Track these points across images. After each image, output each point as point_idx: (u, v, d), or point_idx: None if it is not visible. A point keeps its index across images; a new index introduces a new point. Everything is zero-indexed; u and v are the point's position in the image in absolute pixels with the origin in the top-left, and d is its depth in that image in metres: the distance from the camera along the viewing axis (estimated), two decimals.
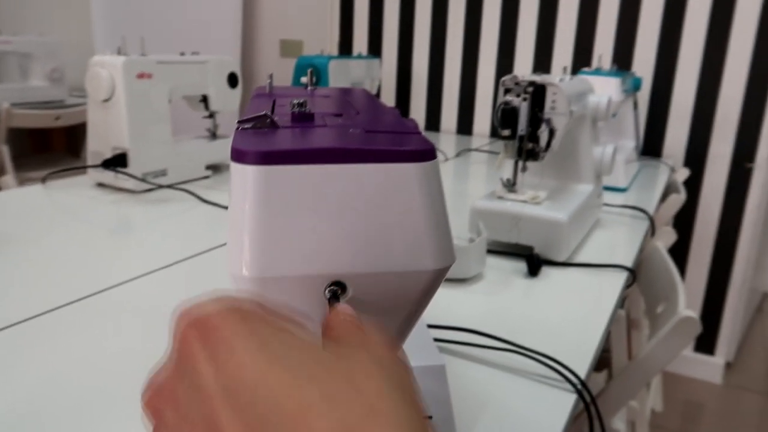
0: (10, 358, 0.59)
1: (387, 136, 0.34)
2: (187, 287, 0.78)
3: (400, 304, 0.33)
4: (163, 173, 1.26)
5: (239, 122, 0.35)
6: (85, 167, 1.26)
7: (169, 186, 1.26)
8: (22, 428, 0.49)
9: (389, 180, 0.30)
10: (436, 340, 0.66)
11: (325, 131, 0.34)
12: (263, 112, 0.35)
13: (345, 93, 0.53)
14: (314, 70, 1.62)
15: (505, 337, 0.66)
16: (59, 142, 2.97)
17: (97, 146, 1.22)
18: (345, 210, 0.30)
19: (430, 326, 0.68)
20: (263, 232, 0.29)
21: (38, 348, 0.62)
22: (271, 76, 0.55)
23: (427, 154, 0.31)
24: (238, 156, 0.29)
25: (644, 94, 1.92)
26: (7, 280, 0.78)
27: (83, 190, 1.23)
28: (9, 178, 1.35)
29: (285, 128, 0.35)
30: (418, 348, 0.60)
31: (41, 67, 2.51)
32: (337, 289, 0.31)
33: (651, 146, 1.94)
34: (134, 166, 1.19)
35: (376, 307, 0.32)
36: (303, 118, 0.37)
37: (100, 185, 1.25)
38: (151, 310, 0.71)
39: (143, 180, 1.21)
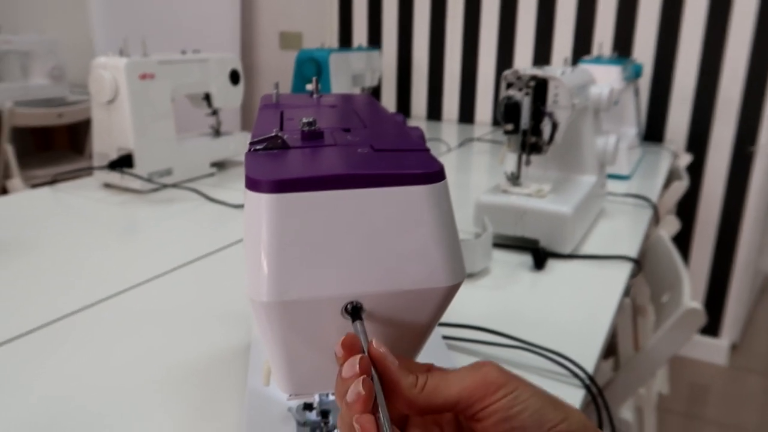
0: (24, 367, 0.61)
1: (396, 156, 0.34)
2: (198, 289, 0.80)
3: (415, 319, 0.34)
4: (168, 172, 1.27)
5: (251, 143, 0.36)
6: (91, 168, 1.27)
7: (175, 185, 1.27)
8: None
9: (400, 202, 0.31)
10: (445, 337, 0.67)
11: (336, 153, 0.35)
12: (274, 133, 0.36)
13: (350, 101, 0.54)
14: (316, 65, 1.62)
15: (513, 333, 0.67)
16: (62, 140, 2.98)
17: (102, 147, 1.23)
18: (358, 232, 0.31)
19: (438, 324, 0.69)
20: (280, 258, 0.30)
21: (52, 357, 0.63)
22: (276, 86, 0.56)
23: (437, 175, 0.32)
24: (253, 184, 0.30)
25: (645, 80, 1.91)
26: (19, 288, 0.79)
27: (91, 191, 1.24)
28: (17, 181, 1.37)
29: (296, 148, 0.36)
30: (426, 348, 0.61)
31: (41, 66, 2.51)
32: (357, 306, 0.32)
33: (653, 132, 1.94)
34: (140, 167, 1.20)
35: (392, 324, 0.33)
36: (313, 137, 0.38)
37: (107, 186, 1.26)
38: (163, 314, 0.72)
39: (149, 180, 1.22)
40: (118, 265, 0.87)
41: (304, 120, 0.38)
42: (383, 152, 0.35)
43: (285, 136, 0.37)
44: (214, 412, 0.53)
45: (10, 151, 2.24)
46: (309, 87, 0.57)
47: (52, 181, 1.28)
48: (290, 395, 0.35)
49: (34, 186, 1.29)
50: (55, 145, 2.99)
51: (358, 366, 0.27)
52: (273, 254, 0.30)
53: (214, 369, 0.60)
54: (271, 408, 0.46)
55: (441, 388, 0.28)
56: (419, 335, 0.35)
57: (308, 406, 0.45)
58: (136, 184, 1.21)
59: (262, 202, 0.30)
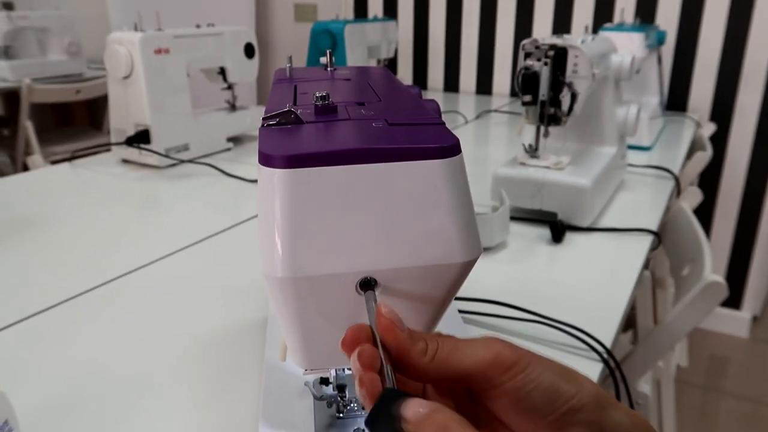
0: (43, 344, 0.62)
1: (411, 130, 0.34)
2: (216, 264, 0.80)
3: (430, 295, 0.33)
4: (185, 147, 1.27)
5: (264, 119, 0.36)
6: (109, 144, 1.27)
7: (192, 161, 1.27)
8: (57, 414, 0.51)
9: (415, 177, 0.31)
10: (461, 311, 0.67)
11: (350, 127, 0.34)
12: (287, 108, 0.36)
13: (364, 74, 0.53)
14: (331, 37, 1.60)
15: (530, 307, 0.67)
16: (81, 116, 3.00)
17: (119, 123, 1.24)
18: (373, 208, 0.31)
19: (455, 299, 0.69)
20: (294, 234, 0.30)
21: (71, 333, 0.64)
22: (290, 59, 0.55)
23: (452, 149, 0.31)
24: (266, 160, 0.30)
25: (668, 47, 1.86)
26: (39, 263, 0.80)
27: (109, 167, 1.25)
28: (37, 157, 1.38)
29: (309, 123, 0.35)
30: (442, 321, 0.61)
31: (58, 41, 2.52)
32: (370, 280, 0.32)
33: (675, 101, 1.90)
34: (157, 142, 1.21)
35: (407, 299, 0.33)
36: (326, 111, 0.37)
37: (125, 161, 1.27)
38: (181, 289, 0.73)
39: (166, 156, 1.22)
40: (137, 240, 0.88)
41: (317, 94, 0.37)
42: (398, 126, 0.34)
43: (298, 111, 0.37)
44: (233, 383, 0.54)
45: (29, 127, 2.26)
46: (323, 60, 0.56)
47: (71, 158, 1.29)
48: (306, 370, 0.35)
49: (54, 162, 1.30)
50: (74, 121, 3.01)
51: (358, 360, 0.26)
52: (287, 230, 0.30)
53: (233, 341, 0.61)
54: (288, 382, 0.47)
55: (452, 359, 0.27)
56: (434, 311, 0.35)
57: (325, 381, 0.45)
58: (154, 159, 1.21)
59: (276, 177, 0.30)
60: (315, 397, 0.44)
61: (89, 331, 0.64)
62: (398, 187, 0.31)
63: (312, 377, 0.45)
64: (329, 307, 0.32)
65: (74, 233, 0.90)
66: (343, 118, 0.36)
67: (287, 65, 0.53)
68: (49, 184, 1.15)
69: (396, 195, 0.31)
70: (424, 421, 0.24)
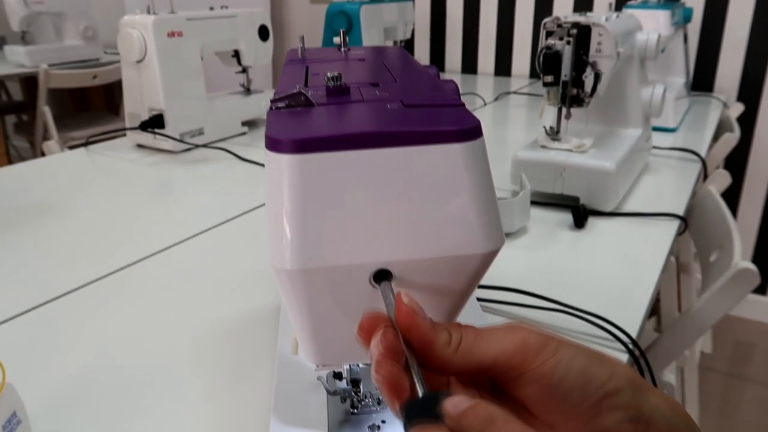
0: (52, 334, 0.61)
1: (428, 112, 0.32)
2: (232, 250, 0.79)
3: (449, 288, 0.31)
4: (200, 132, 1.26)
5: (272, 101, 0.34)
6: (124, 129, 1.26)
7: (206, 145, 1.26)
8: (67, 405, 0.51)
9: (433, 162, 0.29)
10: (480, 299, 0.65)
11: (363, 109, 0.32)
12: (297, 90, 0.34)
13: (380, 54, 0.51)
14: (346, 18, 1.57)
15: (551, 295, 0.64)
16: (98, 101, 3.01)
17: (133, 108, 1.23)
18: (387, 195, 0.29)
19: None
20: (302, 224, 0.28)
21: (81, 322, 0.63)
22: (302, 39, 0.53)
23: (473, 132, 0.29)
24: (273, 144, 0.28)
25: (695, 25, 1.80)
26: (54, 249, 0.80)
27: (124, 152, 1.24)
28: (53, 143, 1.37)
29: (320, 106, 0.33)
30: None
31: (74, 26, 2.51)
32: (385, 271, 0.30)
33: (702, 81, 1.84)
34: (171, 127, 1.19)
35: (424, 292, 0.31)
36: (338, 93, 0.35)
37: (140, 146, 1.26)
38: (196, 275, 0.72)
39: (180, 140, 1.21)
40: (151, 226, 0.87)
41: (329, 75, 0.35)
42: (414, 108, 0.32)
43: (309, 93, 0.35)
44: (247, 373, 0.52)
45: (47, 112, 2.27)
46: (336, 40, 0.54)
47: (86, 143, 1.29)
48: (317, 366, 0.33)
49: (72, 147, 1.30)
50: (91, 106, 3.02)
51: (381, 342, 0.25)
52: (296, 219, 0.28)
53: (248, 330, 0.60)
54: (301, 376, 0.45)
55: (477, 348, 0.26)
56: (453, 304, 0.33)
57: (338, 375, 0.44)
58: (168, 144, 1.20)
59: (284, 163, 0.28)
60: (328, 392, 0.42)
61: (99, 321, 0.63)
62: (415, 173, 0.29)
63: (326, 371, 0.44)
64: (341, 300, 0.30)
65: (88, 219, 0.90)
66: (357, 100, 0.34)
67: (299, 45, 0.50)
68: (64, 169, 1.15)
69: (413, 181, 0.29)
70: (466, 411, 0.22)
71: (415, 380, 0.24)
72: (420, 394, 0.23)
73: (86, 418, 0.48)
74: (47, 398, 0.51)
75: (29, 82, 2.64)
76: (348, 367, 0.42)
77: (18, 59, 2.39)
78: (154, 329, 0.61)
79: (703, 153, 1.17)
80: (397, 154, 0.28)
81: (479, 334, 0.26)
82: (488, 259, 0.30)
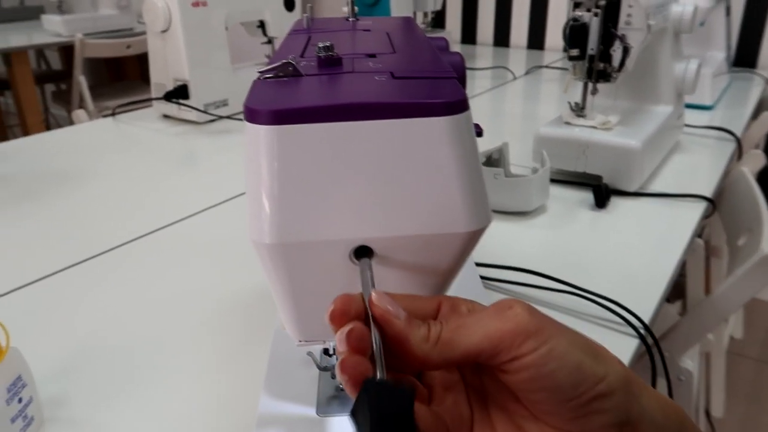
0: (61, 301, 0.63)
1: (416, 84, 0.30)
2: None
3: (433, 266, 0.31)
4: (224, 103, 1.26)
5: (260, 72, 0.33)
6: (150, 100, 1.27)
7: (230, 116, 1.26)
8: (72, 370, 0.52)
9: (416, 136, 0.27)
10: (490, 279, 0.64)
11: (350, 81, 0.31)
12: (286, 59, 0.33)
13: (386, 25, 0.49)
14: None
15: (567, 276, 0.63)
16: (133, 71, 3.04)
17: (159, 78, 1.23)
18: (367, 169, 0.28)
19: (481, 264, 0.66)
20: (281, 196, 0.28)
21: (91, 291, 0.64)
22: (310, 9, 0.52)
23: (457, 105, 0.28)
24: (251, 115, 0.27)
25: None
26: (78, 216, 0.81)
27: (150, 122, 1.25)
28: (81, 112, 1.40)
29: (309, 76, 0.32)
30: (462, 287, 0.58)
31: None
32: (365, 249, 0.29)
33: (744, 56, 1.76)
34: (195, 97, 1.20)
35: (406, 270, 0.30)
36: (330, 64, 0.34)
37: (166, 117, 1.27)
38: (216, 245, 0.72)
39: (205, 111, 1.21)
40: (175, 195, 0.88)
41: (320, 45, 0.34)
42: (403, 80, 0.31)
43: (301, 64, 0.34)
44: (251, 348, 0.53)
45: (83, 82, 2.30)
46: (345, 9, 0.53)
47: (113, 113, 1.30)
48: (299, 341, 0.33)
49: (106, 116, 1.31)
50: (126, 76, 3.06)
51: (346, 342, 0.24)
52: (274, 192, 0.28)
53: (258, 302, 0.60)
54: (294, 351, 0.45)
55: (458, 339, 0.24)
56: (438, 283, 0.32)
57: (328, 351, 0.43)
58: (193, 115, 1.21)
59: (261, 134, 0.27)
60: (318, 368, 0.42)
61: (107, 290, 0.64)
62: (397, 147, 0.28)
63: (318, 347, 0.44)
64: (321, 276, 0.30)
65: (112, 188, 0.91)
66: (347, 71, 0.33)
67: (304, 15, 0.49)
68: (91, 138, 1.17)
69: (394, 155, 0.28)
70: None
71: (379, 370, 0.23)
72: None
73: (92, 383, 0.49)
74: (55, 364, 0.52)
75: (67, 51, 2.68)
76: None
77: (55, 28, 2.43)
78: (163, 299, 0.62)
79: (739, 132, 1.12)
80: (377, 126, 0.27)
81: (462, 322, 0.25)
82: (473, 237, 0.29)
